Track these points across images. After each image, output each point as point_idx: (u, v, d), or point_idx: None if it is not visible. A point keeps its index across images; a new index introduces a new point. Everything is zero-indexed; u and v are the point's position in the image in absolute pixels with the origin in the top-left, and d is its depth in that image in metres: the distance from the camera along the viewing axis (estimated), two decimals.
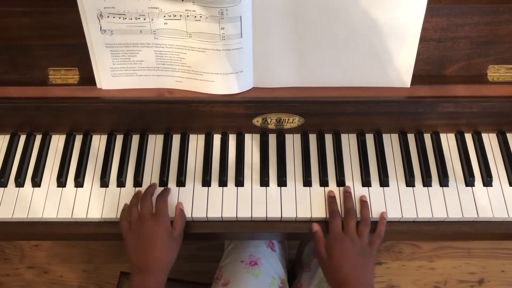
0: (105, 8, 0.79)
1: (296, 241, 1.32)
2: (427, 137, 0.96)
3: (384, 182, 0.90)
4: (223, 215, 0.87)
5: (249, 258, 1.00)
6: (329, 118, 0.93)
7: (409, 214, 0.87)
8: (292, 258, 1.28)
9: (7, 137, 0.96)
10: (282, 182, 0.90)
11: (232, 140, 0.95)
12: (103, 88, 0.89)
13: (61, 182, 0.91)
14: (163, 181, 0.91)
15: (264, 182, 0.90)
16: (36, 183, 0.91)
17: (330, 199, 0.88)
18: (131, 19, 0.81)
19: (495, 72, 0.90)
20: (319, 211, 0.88)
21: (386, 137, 0.95)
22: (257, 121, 0.92)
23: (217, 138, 0.96)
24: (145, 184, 0.91)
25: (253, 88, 0.89)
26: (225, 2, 0.76)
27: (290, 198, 0.89)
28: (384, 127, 0.95)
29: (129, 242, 0.83)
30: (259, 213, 0.87)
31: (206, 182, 0.90)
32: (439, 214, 0.87)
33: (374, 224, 0.86)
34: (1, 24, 0.84)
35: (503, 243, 1.62)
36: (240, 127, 0.95)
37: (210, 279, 1.04)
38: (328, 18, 0.80)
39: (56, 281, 1.59)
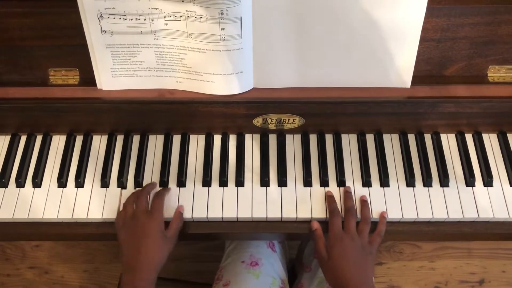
0: (105, 8, 0.79)
1: (296, 241, 1.32)
2: (428, 138, 0.95)
3: (384, 183, 0.90)
4: (224, 216, 0.87)
5: (249, 259, 1.00)
6: (329, 119, 0.93)
7: (410, 214, 0.87)
8: (292, 258, 1.28)
9: (8, 137, 0.96)
10: (282, 183, 0.90)
11: (232, 140, 0.95)
12: (103, 89, 0.89)
13: (62, 182, 0.91)
14: (164, 182, 0.91)
15: (265, 182, 0.90)
16: (37, 183, 0.91)
17: (330, 199, 0.88)
18: (131, 19, 0.81)
19: (495, 73, 0.90)
20: (320, 212, 0.88)
21: (386, 138, 0.95)
22: (258, 122, 0.92)
23: (217, 139, 0.96)
24: (145, 184, 0.91)
25: (253, 88, 0.89)
26: (225, 3, 0.76)
27: (290, 199, 0.89)
28: (385, 127, 0.95)
29: (122, 239, 0.83)
30: (259, 214, 0.87)
31: (206, 183, 0.90)
32: (440, 214, 0.87)
33: (374, 224, 0.86)
34: (2, 25, 0.84)
35: (504, 243, 1.61)
36: (241, 127, 0.95)
37: (211, 279, 1.04)
38: (328, 19, 0.80)
39: (57, 281, 1.59)
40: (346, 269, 0.80)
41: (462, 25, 0.84)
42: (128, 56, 0.86)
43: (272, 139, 0.95)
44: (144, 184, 0.91)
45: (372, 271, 0.82)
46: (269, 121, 0.92)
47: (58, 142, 0.96)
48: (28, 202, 0.89)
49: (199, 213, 0.87)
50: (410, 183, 0.90)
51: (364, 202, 0.88)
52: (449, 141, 0.95)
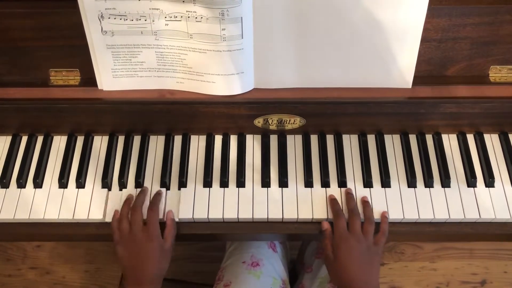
0: (106, 9, 0.79)
1: (297, 242, 1.32)
2: (429, 138, 0.95)
3: (385, 183, 0.90)
4: (224, 216, 0.87)
5: (250, 259, 1.00)
6: (330, 119, 0.92)
7: (411, 215, 0.87)
8: (293, 258, 1.28)
9: (9, 138, 0.96)
10: (283, 183, 0.90)
11: (233, 141, 0.95)
12: (104, 89, 0.89)
13: (63, 183, 0.91)
14: (165, 182, 0.91)
15: (266, 183, 0.90)
16: (38, 184, 0.91)
17: (332, 201, 0.88)
18: (132, 20, 0.81)
19: (497, 73, 0.90)
20: (321, 212, 0.87)
21: (387, 138, 0.95)
22: (259, 122, 0.92)
23: (218, 139, 0.96)
24: (146, 185, 0.91)
25: (254, 89, 0.89)
26: (226, 3, 0.76)
27: (291, 199, 0.88)
28: (386, 127, 0.95)
29: (121, 255, 0.83)
30: (260, 214, 0.87)
31: (207, 183, 0.90)
32: (441, 215, 0.87)
33: (377, 225, 0.86)
34: (3, 25, 0.84)
35: (506, 244, 1.61)
36: (242, 128, 0.95)
37: (212, 280, 1.04)
38: (329, 19, 0.80)
39: (58, 281, 1.59)
40: (351, 270, 0.80)
41: (463, 25, 0.83)
42: (128, 57, 0.86)
43: (273, 140, 0.95)
44: (145, 184, 0.91)
45: (377, 272, 0.82)
46: (270, 121, 0.92)
47: (59, 142, 0.96)
48: (29, 203, 0.89)
49: (200, 214, 0.87)
50: (411, 183, 0.90)
51: (366, 202, 0.87)
52: (450, 142, 0.95)
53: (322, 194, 0.89)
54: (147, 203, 0.88)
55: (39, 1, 0.83)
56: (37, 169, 0.93)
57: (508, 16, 0.82)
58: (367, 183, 0.90)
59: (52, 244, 1.63)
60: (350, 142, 0.95)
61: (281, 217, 0.87)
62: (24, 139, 0.97)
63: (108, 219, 0.88)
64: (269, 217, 0.87)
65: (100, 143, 0.96)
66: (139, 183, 0.91)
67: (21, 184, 0.91)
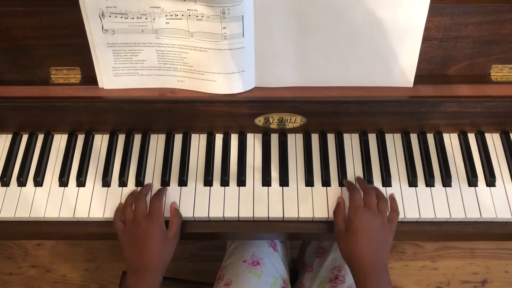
0: (106, 7, 0.79)
1: (298, 241, 1.31)
2: (430, 137, 0.95)
3: (386, 182, 0.90)
4: (225, 215, 0.87)
5: (251, 258, 1.00)
6: (331, 118, 0.92)
7: (412, 214, 0.87)
8: (294, 258, 1.28)
9: (9, 136, 0.96)
10: (284, 182, 0.90)
11: (234, 139, 0.95)
12: (105, 88, 0.89)
13: (63, 181, 0.91)
14: (165, 181, 0.91)
15: (266, 181, 0.90)
16: (38, 182, 0.91)
17: (347, 183, 0.89)
18: (133, 18, 0.81)
19: (498, 72, 0.89)
20: (321, 211, 0.87)
21: (388, 137, 0.95)
22: (259, 121, 0.92)
23: (219, 138, 0.95)
24: (147, 183, 0.91)
25: (255, 87, 0.89)
26: (227, 2, 0.76)
27: (292, 198, 0.88)
28: (387, 127, 0.95)
29: (124, 243, 0.83)
30: (261, 213, 0.87)
31: (208, 182, 0.90)
32: (442, 214, 0.87)
33: None
34: (3, 24, 0.84)
35: (507, 244, 1.61)
36: (242, 126, 0.94)
37: (212, 279, 1.04)
38: (330, 18, 0.80)
39: (58, 280, 1.59)
40: (363, 244, 0.79)
41: (465, 24, 0.83)
42: (129, 55, 0.85)
43: (274, 139, 0.95)
44: (145, 183, 0.91)
45: (388, 250, 0.81)
46: (271, 120, 0.92)
47: (59, 141, 0.96)
48: (29, 201, 0.89)
49: (201, 213, 0.87)
50: (412, 183, 0.90)
51: (376, 188, 0.88)
52: (451, 141, 0.95)
53: (323, 193, 0.89)
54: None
55: (40, 0, 0.83)
56: (38, 167, 0.92)
57: (510, 15, 0.82)
58: (368, 182, 0.90)
59: (53, 243, 1.63)
60: (351, 141, 0.95)
61: (282, 216, 0.87)
62: (25, 137, 0.96)
63: (108, 216, 0.88)
64: (269, 216, 0.87)
65: (100, 141, 0.96)
66: (139, 182, 0.91)
67: (22, 182, 0.91)
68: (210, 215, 0.87)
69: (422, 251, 1.61)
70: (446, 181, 0.90)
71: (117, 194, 0.90)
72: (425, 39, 0.83)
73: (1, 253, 1.63)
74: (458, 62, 0.88)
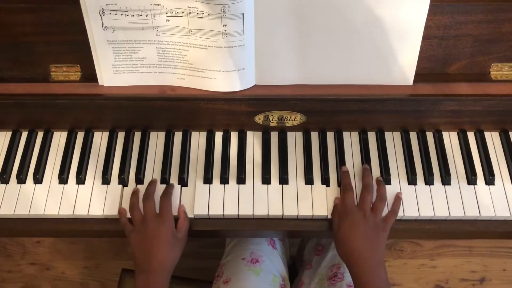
0: (107, 4, 0.79)
1: (297, 238, 1.32)
2: (430, 136, 0.95)
3: (386, 180, 0.90)
4: (225, 213, 0.87)
5: (250, 256, 1.00)
6: (331, 116, 0.92)
7: (411, 212, 0.87)
8: (293, 255, 1.28)
9: (9, 133, 0.96)
10: (283, 180, 0.90)
11: (234, 137, 0.95)
12: (105, 85, 0.89)
13: (63, 179, 0.91)
14: (165, 179, 0.91)
15: (266, 179, 0.90)
16: (38, 180, 0.91)
17: (344, 174, 0.89)
18: (133, 15, 0.81)
19: (498, 71, 0.90)
20: (321, 209, 0.87)
21: (388, 135, 0.95)
22: (259, 119, 0.92)
23: (218, 136, 0.95)
24: (147, 181, 0.91)
25: (255, 85, 0.89)
26: None
27: (291, 196, 0.88)
28: (386, 125, 0.95)
29: (134, 243, 0.83)
30: (260, 211, 0.87)
31: (207, 180, 0.90)
32: (441, 212, 0.87)
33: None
34: (3, 21, 0.84)
35: (505, 242, 1.61)
36: (242, 124, 0.94)
37: (211, 276, 1.04)
38: (331, 16, 0.80)
39: (57, 277, 1.59)
40: (354, 243, 0.80)
41: (465, 23, 0.83)
42: (129, 52, 0.85)
43: (274, 137, 0.95)
44: (145, 180, 0.91)
45: (383, 249, 0.82)
46: (270, 118, 0.92)
47: (59, 138, 0.96)
48: (29, 199, 0.89)
49: (200, 210, 0.87)
50: (412, 181, 0.90)
51: (380, 181, 0.88)
52: (451, 139, 0.95)
53: (322, 191, 0.89)
54: (157, 193, 0.88)
55: None
56: (37, 164, 0.92)
57: (510, 13, 0.82)
58: None
59: (52, 240, 1.63)
60: (351, 139, 0.95)
61: (281, 214, 0.87)
62: (24, 134, 0.96)
63: (107, 214, 0.88)
64: (269, 213, 0.87)
65: (100, 139, 0.96)
66: (139, 179, 0.91)
67: (21, 179, 0.91)
68: (210, 213, 0.87)
69: (420, 249, 1.62)
70: (446, 180, 0.90)
71: (116, 192, 0.90)
72: (425, 37, 0.83)
73: (0, 251, 1.63)
74: (458, 60, 0.88)
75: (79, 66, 0.90)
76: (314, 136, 0.95)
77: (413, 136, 0.95)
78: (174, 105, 0.90)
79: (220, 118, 0.93)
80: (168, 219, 0.84)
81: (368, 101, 0.89)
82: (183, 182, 0.91)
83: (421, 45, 0.83)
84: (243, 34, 0.81)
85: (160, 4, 0.79)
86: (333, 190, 0.89)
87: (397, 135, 0.95)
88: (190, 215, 0.88)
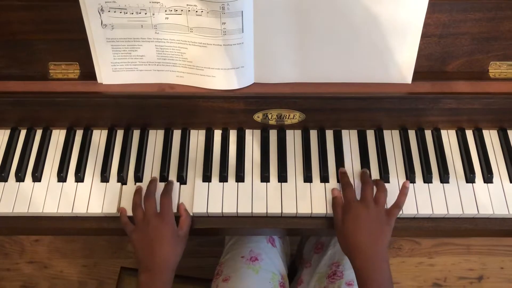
0: (106, 2, 0.79)
1: (297, 236, 1.32)
2: (428, 134, 0.95)
3: (384, 178, 0.90)
4: (224, 211, 0.87)
5: (249, 254, 1.00)
6: (330, 114, 0.92)
7: (410, 210, 0.87)
8: (294, 253, 1.28)
9: (8, 131, 0.96)
10: (282, 178, 0.90)
11: (232, 135, 0.95)
12: (103, 83, 0.89)
13: (62, 177, 0.91)
14: (164, 177, 0.91)
15: (265, 177, 0.90)
16: (37, 178, 0.91)
17: (342, 174, 0.89)
18: (132, 13, 0.80)
19: (496, 69, 0.90)
20: (320, 207, 0.87)
21: (387, 133, 0.95)
22: (258, 117, 0.92)
23: (217, 134, 0.95)
24: (146, 179, 0.91)
25: (254, 83, 0.89)
26: None
27: (290, 194, 0.89)
28: (385, 123, 0.95)
29: (136, 242, 0.83)
30: (259, 209, 0.87)
31: (206, 178, 0.90)
32: (440, 210, 0.87)
33: None
34: (2, 18, 0.83)
35: (503, 240, 1.62)
36: (241, 122, 0.94)
37: (211, 275, 1.04)
38: (330, 14, 0.80)
39: (56, 276, 1.59)
40: (358, 237, 0.80)
41: (464, 21, 0.83)
42: (128, 50, 0.85)
43: (273, 135, 0.95)
44: (144, 179, 0.91)
45: (387, 242, 0.82)
46: (269, 116, 0.92)
47: (58, 136, 0.96)
48: (28, 197, 0.89)
49: (199, 208, 0.87)
50: (410, 179, 0.90)
51: (379, 180, 0.89)
52: (449, 137, 0.95)
53: (321, 189, 0.89)
54: (157, 191, 0.88)
55: None
56: (36, 162, 0.92)
57: (509, 11, 0.82)
58: None
59: (50, 239, 1.62)
60: (350, 138, 0.95)
61: (280, 212, 0.87)
62: (23, 132, 0.96)
63: (106, 212, 0.88)
64: (268, 212, 0.87)
65: (99, 137, 0.96)
66: (138, 177, 0.91)
67: (20, 177, 0.91)
68: (209, 211, 0.87)
69: (418, 247, 1.62)
70: (444, 178, 0.90)
71: (115, 190, 0.90)
72: (424, 35, 0.83)
73: None
74: (456, 58, 0.88)
75: (78, 64, 0.90)
76: (313, 134, 0.95)
77: (411, 134, 0.95)
78: (173, 103, 0.90)
79: (219, 116, 0.93)
80: (169, 217, 0.84)
81: (367, 99, 0.89)
82: (182, 180, 0.91)
83: (420, 43, 0.83)
84: (242, 32, 0.81)
85: (159, 2, 0.79)
86: (332, 188, 0.89)
87: (396, 133, 0.96)
88: (190, 216, 0.88)
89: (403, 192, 0.86)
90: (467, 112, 0.91)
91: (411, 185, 0.90)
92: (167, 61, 0.87)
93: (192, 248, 1.55)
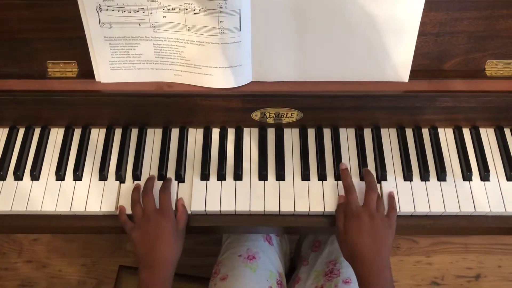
0: (104, 1, 0.79)
1: (294, 234, 1.32)
2: (425, 132, 0.96)
3: (382, 177, 0.90)
4: (222, 209, 0.87)
5: (246, 252, 1.01)
6: (327, 113, 0.93)
7: (407, 208, 0.88)
8: (293, 251, 1.28)
9: (6, 130, 0.96)
10: (280, 176, 0.90)
11: (230, 134, 0.96)
12: (102, 82, 0.89)
13: (60, 175, 0.91)
14: (162, 175, 0.91)
15: (263, 176, 0.90)
16: (35, 176, 0.91)
17: (344, 172, 0.88)
18: (130, 12, 0.81)
19: (493, 67, 0.90)
20: (317, 205, 0.88)
21: (384, 132, 0.96)
22: (256, 115, 0.92)
23: (215, 132, 0.96)
24: (144, 177, 0.91)
25: (252, 82, 0.89)
26: None
27: (288, 192, 0.89)
28: (382, 121, 0.95)
29: (136, 239, 0.83)
30: (257, 207, 0.87)
31: (204, 176, 0.90)
32: (437, 208, 0.87)
33: None
34: (1, 17, 0.84)
35: (500, 239, 1.62)
36: (239, 121, 0.95)
37: (208, 274, 1.04)
38: (327, 13, 0.80)
39: (54, 275, 1.59)
40: (362, 247, 0.80)
41: (461, 19, 0.84)
42: (126, 49, 0.86)
43: (270, 133, 0.95)
44: (142, 177, 0.91)
45: (389, 249, 0.82)
46: (267, 115, 0.92)
47: (56, 135, 0.96)
48: (26, 195, 0.89)
49: (197, 207, 0.88)
50: (408, 177, 0.90)
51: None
52: (446, 136, 0.96)
53: (319, 187, 0.90)
54: (156, 188, 0.88)
55: None
56: (34, 161, 0.92)
57: (505, 10, 0.83)
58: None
59: (49, 238, 1.63)
60: (347, 136, 0.95)
61: (278, 210, 0.87)
62: (21, 131, 0.96)
63: (105, 210, 0.88)
64: (266, 210, 0.87)
65: (97, 135, 0.96)
66: (136, 176, 0.91)
67: (18, 176, 0.91)
68: (207, 209, 0.87)
69: (416, 246, 1.62)
70: (441, 176, 0.90)
71: (114, 188, 0.90)
72: (421, 34, 0.83)
73: None
74: (453, 57, 0.89)
75: (76, 63, 0.90)
76: (311, 132, 0.96)
77: (409, 132, 0.96)
78: (171, 101, 0.90)
79: (217, 115, 0.93)
80: (169, 213, 0.84)
81: (364, 98, 0.89)
82: (180, 178, 0.91)
83: (416, 42, 0.84)
84: (240, 30, 0.81)
85: (157, 1, 0.79)
86: (330, 187, 0.90)
87: (393, 131, 0.96)
88: (187, 211, 0.88)
89: (392, 197, 0.87)
90: (464, 110, 0.92)
91: (408, 183, 0.90)
92: (165, 59, 0.87)
93: (190, 247, 1.55)
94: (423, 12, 0.80)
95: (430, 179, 0.91)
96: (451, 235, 1.59)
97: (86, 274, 1.59)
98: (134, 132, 0.96)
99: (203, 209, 0.87)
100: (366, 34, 0.83)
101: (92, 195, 0.89)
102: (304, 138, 0.95)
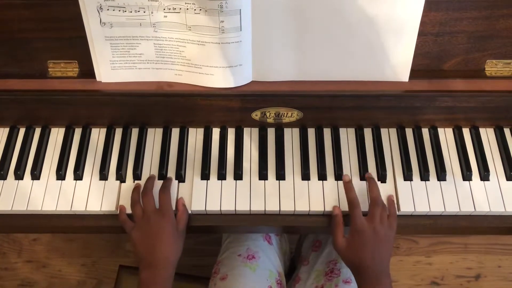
0: (105, 0, 0.80)
1: (294, 234, 1.32)
2: (425, 132, 0.96)
3: (381, 177, 0.91)
4: (222, 208, 0.87)
5: (246, 252, 1.01)
6: (327, 112, 0.93)
7: (407, 208, 0.88)
8: (293, 251, 1.28)
9: (7, 130, 0.96)
10: (280, 176, 0.90)
11: (231, 134, 0.96)
12: (102, 81, 0.90)
13: (61, 175, 0.91)
14: (162, 175, 0.91)
15: (263, 175, 0.90)
16: (36, 175, 0.91)
17: (348, 185, 0.87)
18: (130, 12, 0.81)
19: (493, 67, 0.90)
20: (318, 205, 0.88)
21: (384, 132, 0.96)
22: (256, 115, 0.92)
23: (216, 132, 0.96)
24: (144, 177, 0.91)
25: (252, 81, 0.90)
26: None
27: (288, 192, 0.89)
28: (382, 121, 0.95)
29: (136, 239, 0.83)
30: (257, 206, 0.88)
31: (205, 176, 0.90)
32: (437, 208, 0.88)
33: None
34: (1, 17, 0.84)
35: (500, 239, 1.62)
36: (239, 121, 0.95)
37: (208, 273, 1.04)
38: (327, 13, 0.81)
39: (54, 275, 1.59)
40: (365, 259, 0.80)
41: (460, 19, 0.84)
42: (127, 49, 0.86)
43: (271, 133, 0.96)
44: (143, 177, 0.91)
45: (390, 254, 0.83)
46: (267, 114, 0.92)
47: (56, 134, 0.96)
48: (27, 194, 0.89)
49: (198, 206, 0.88)
50: (408, 177, 0.91)
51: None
52: (446, 136, 0.96)
53: (319, 187, 0.90)
54: (156, 188, 0.88)
55: None
56: (35, 161, 0.93)
57: (505, 10, 0.83)
58: (364, 177, 0.90)
59: (49, 238, 1.63)
60: (347, 136, 0.96)
61: (278, 209, 0.87)
62: (22, 131, 0.96)
63: (105, 210, 0.88)
64: (266, 209, 0.88)
65: (98, 135, 0.96)
66: (137, 176, 0.91)
67: (19, 175, 0.91)
68: (207, 209, 0.87)
69: (416, 246, 1.62)
70: (441, 175, 0.90)
71: (114, 188, 0.90)
72: (421, 34, 0.83)
73: None
74: (453, 57, 0.89)
75: (77, 62, 0.90)
76: (311, 132, 0.96)
77: (408, 132, 0.96)
78: (172, 101, 0.91)
79: (217, 115, 0.93)
80: (169, 213, 0.84)
81: (364, 97, 0.89)
82: (180, 178, 0.91)
83: (416, 42, 0.84)
84: (240, 30, 0.81)
85: (158, 1, 0.79)
86: (330, 186, 0.90)
87: (393, 131, 0.96)
88: (188, 211, 0.88)
89: (392, 204, 0.87)
90: (463, 110, 0.92)
91: (408, 183, 0.90)
92: (165, 59, 0.87)
93: (190, 247, 1.55)
94: (423, 12, 0.80)
95: (430, 178, 0.91)
96: (451, 235, 1.59)
97: (86, 274, 1.59)
98: (135, 132, 0.96)
99: (204, 209, 0.87)
100: (366, 34, 0.83)
101: (92, 194, 0.90)
102: (304, 137, 0.95)
